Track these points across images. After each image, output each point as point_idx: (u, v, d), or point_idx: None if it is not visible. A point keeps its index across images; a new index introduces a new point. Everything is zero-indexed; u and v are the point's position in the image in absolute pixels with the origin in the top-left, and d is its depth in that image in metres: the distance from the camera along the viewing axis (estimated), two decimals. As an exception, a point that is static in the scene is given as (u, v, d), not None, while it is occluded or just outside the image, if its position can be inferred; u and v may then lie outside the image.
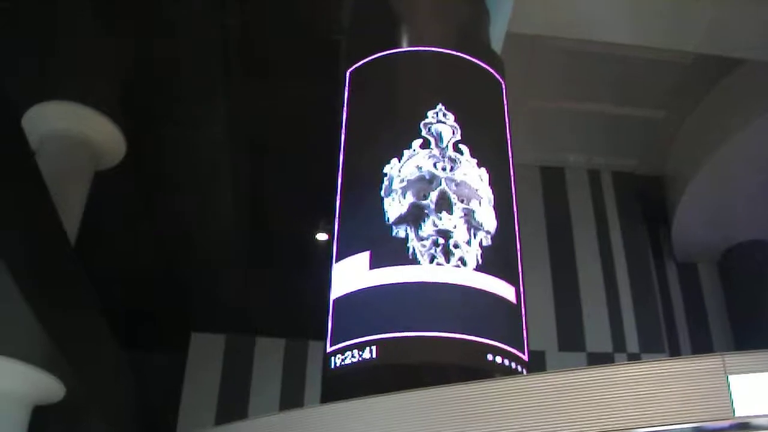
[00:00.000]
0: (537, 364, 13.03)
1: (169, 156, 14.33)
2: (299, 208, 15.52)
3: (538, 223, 16.42)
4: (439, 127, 8.56)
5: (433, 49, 9.32)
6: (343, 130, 9.24)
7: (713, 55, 13.72)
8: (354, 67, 9.69)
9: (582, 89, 15.57)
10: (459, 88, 9.26)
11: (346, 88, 9.61)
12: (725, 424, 5.29)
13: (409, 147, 8.45)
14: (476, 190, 8.34)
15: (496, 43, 11.19)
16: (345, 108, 9.43)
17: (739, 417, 5.20)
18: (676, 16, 12.48)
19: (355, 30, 11.08)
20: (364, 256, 8.00)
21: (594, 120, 16.24)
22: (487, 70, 9.61)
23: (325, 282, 8.37)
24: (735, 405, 5.19)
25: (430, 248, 7.84)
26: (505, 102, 9.71)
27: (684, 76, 15.32)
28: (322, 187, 9.54)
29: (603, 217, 16.89)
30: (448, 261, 7.80)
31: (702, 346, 17.22)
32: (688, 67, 15.01)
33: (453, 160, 8.38)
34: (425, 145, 8.46)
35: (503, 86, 9.82)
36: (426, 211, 8.04)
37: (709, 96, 15.77)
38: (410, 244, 7.88)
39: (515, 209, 8.96)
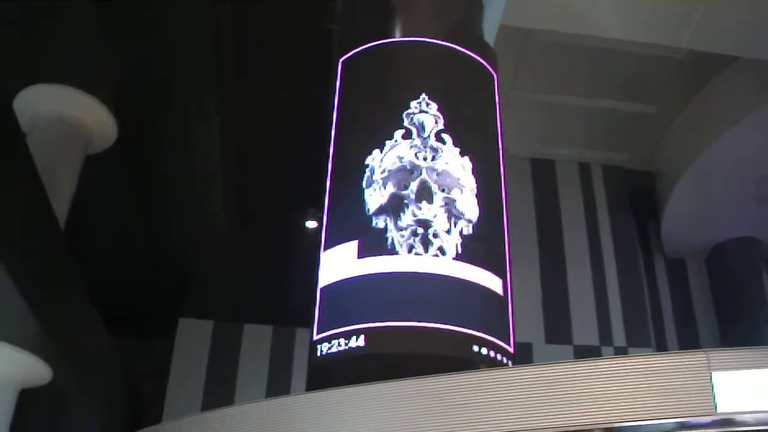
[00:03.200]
0: (523, 356, 13.11)
1: (161, 142, 14.32)
2: (289, 196, 15.51)
3: (527, 215, 16.41)
4: (422, 116, 8.57)
5: (424, 39, 9.33)
6: (334, 119, 9.27)
7: (706, 51, 13.73)
8: (346, 56, 9.71)
9: (574, 83, 15.57)
10: (446, 78, 9.28)
11: (338, 78, 9.63)
12: (707, 420, 5.31)
13: (390, 137, 8.48)
14: (458, 179, 8.35)
15: (490, 35, 11.20)
16: (336, 97, 9.45)
17: (722, 413, 5.23)
18: (668, 12, 12.49)
19: (349, 19, 11.07)
20: (352, 245, 8.03)
21: (585, 114, 16.24)
22: (479, 62, 9.61)
23: (313, 270, 8.39)
24: (717, 401, 5.21)
25: (409, 238, 7.86)
26: (496, 94, 9.71)
27: (676, 72, 15.33)
28: (312, 175, 9.55)
29: (592, 211, 16.90)
30: (426, 251, 7.82)
31: (689, 341, 17.25)
32: (681, 63, 15.01)
33: (435, 150, 8.40)
34: (407, 135, 8.48)
35: (495, 78, 9.83)
36: (406, 201, 8.06)
37: (700, 92, 15.79)
38: (389, 235, 7.91)
39: (504, 200, 8.96)
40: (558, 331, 15.40)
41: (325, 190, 8.79)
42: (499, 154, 9.26)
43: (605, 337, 15.50)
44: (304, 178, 10.80)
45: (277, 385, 16.75)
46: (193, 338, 17.32)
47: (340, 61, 9.77)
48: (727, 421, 5.36)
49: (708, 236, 17.78)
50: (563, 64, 15.04)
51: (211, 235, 16.72)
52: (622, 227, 16.97)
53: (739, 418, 5.34)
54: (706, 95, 15.70)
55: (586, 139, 17.01)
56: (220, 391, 16.69)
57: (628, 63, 14.89)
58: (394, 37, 9.49)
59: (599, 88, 15.69)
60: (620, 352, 15.23)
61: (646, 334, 15.95)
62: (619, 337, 15.57)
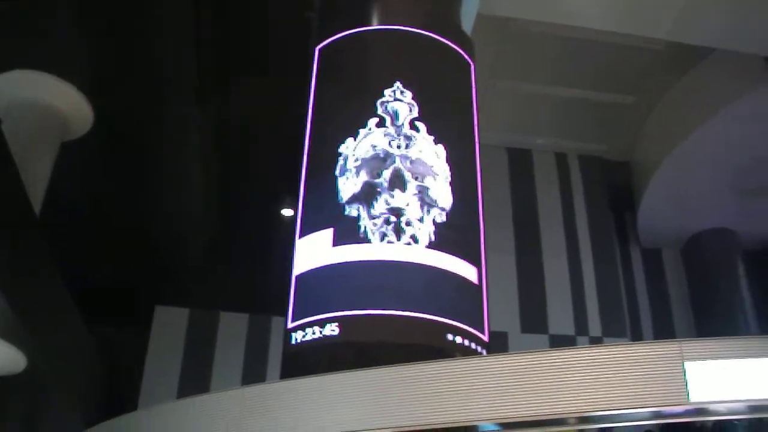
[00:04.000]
0: (499, 345, 13.12)
1: (137, 130, 14.26)
2: (266, 183, 15.48)
3: (503, 204, 16.43)
4: (396, 105, 8.58)
5: (401, 28, 9.33)
6: (310, 108, 9.26)
7: (685, 43, 13.76)
8: (323, 44, 9.69)
9: (552, 73, 15.59)
10: (421, 66, 9.29)
11: (315, 66, 9.62)
12: (680, 409, 5.34)
13: (364, 126, 8.49)
14: (431, 167, 8.36)
15: (467, 24, 11.18)
16: (312, 86, 9.44)
17: (694, 402, 5.25)
18: (648, 3, 12.52)
19: (326, 8, 11.05)
20: (327, 233, 8.03)
21: (563, 104, 16.27)
22: (456, 51, 9.62)
23: (289, 258, 8.39)
24: (690, 391, 5.24)
25: (381, 226, 7.87)
26: (473, 82, 9.70)
27: (655, 63, 15.37)
28: (288, 163, 9.53)
29: (569, 201, 16.94)
30: (399, 239, 7.83)
31: (664, 331, 17.34)
32: (659, 54, 15.04)
33: (409, 138, 8.40)
34: (381, 123, 8.49)
35: (472, 67, 9.82)
36: (379, 189, 8.08)
37: (678, 84, 15.82)
38: (362, 223, 7.93)
39: (479, 189, 8.96)
40: (534, 320, 15.45)
41: (301, 179, 8.81)
42: (474, 142, 9.27)
43: (581, 326, 15.55)
44: (283, 162, 10.76)
45: (253, 373, 16.77)
46: (170, 326, 17.32)
47: (317, 49, 9.76)
48: (700, 411, 5.40)
49: (684, 227, 17.87)
50: (541, 54, 15.06)
51: (188, 223, 16.67)
52: (598, 217, 17.02)
53: (711, 407, 5.38)
54: (684, 86, 15.74)
55: (563, 129, 17.05)
56: (196, 379, 16.69)
57: (606, 53, 14.92)
58: (370, 26, 9.50)
59: (577, 78, 15.72)
60: (596, 341, 15.29)
61: (621, 324, 16.02)
62: (594, 326, 15.63)
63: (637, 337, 16.75)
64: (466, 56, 9.77)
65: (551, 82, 15.76)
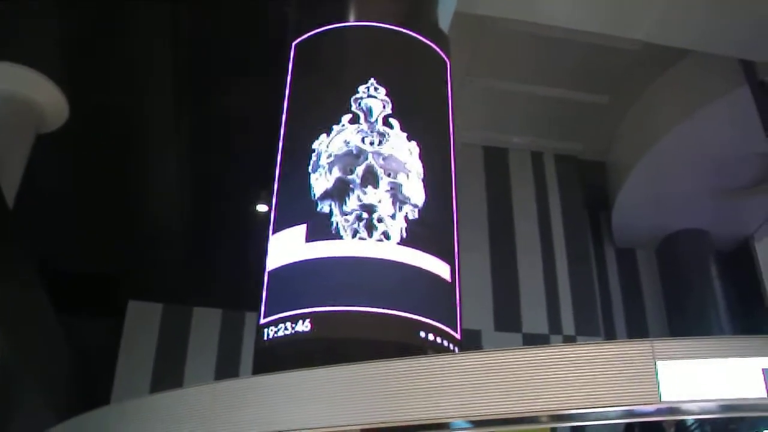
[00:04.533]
0: (472, 343, 13.11)
1: (113, 124, 14.22)
2: (240, 178, 15.46)
3: (478, 203, 16.40)
4: (370, 101, 8.58)
5: (378, 24, 9.33)
6: (285, 103, 9.26)
7: (663, 44, 13.76)
8: (299, 39, 9.68)
9: (529, 72, 15.58)
10: (396, 63, 9.31)
11: (291, 61, 9.61)
12: (652, 408, 5.36)
13: (338, 122, 8.51)
14: (404, 163, 8.38)
15: (445, 22, 11.18)
16: (288, 81, 9.44)
17: (666, 402, 5.27)
18: (627, 5, 12.52)
19: (304, 2, 11.03)
20: (300, 229, 8.02)
21: (539, 103, 16.24)
22: (432, 48, 9.62)
23: (263, 253, 8.38)
24: (662, 390, 5.26)
25: (353, 223, 7.88)
26: (448, 80, 9.71)
27: (632, 63, 15.37)
28: (264, 158, 9.52)
29: (544, 200, 16.94)
30: (370, 235, 7.83)
31: (638, 331, 17.37)
32: (637, 54, 15.02)
33: (382, 134, 8.41)
34: (354, 120, 8.49)
35: (448, 64, 9.82)
36: (351, 185, 8.08)
37: (654, 84, 15.84)
38: (334, 219, 7.94)
39: (453, 187, 8.97)
40: (507, 318, 15.44)
41: (275, 174, 8.80)
42: (449, 140, 9.26)
43: (554, 325, 15.56)
44: (258, 157, 10.75)
45: (227, 369, 16.72)
46: (143, 321, 17.25)
47: (293, 44, 9.75)
48: (672, 410, 5.42)
49: (658, 227, 17.90)
50: (518, 52, 15.04)
51: (162, 218, 16.63)
52: (573, 216, 17.02)
53: (683, 407, 5.40)
54: (660, 87, 15.76)
55: (539, 128, 17.03)
56: (169, 374, 16.63)
57: (583, 52, 14.91)
58: (347, 21, 9.49)
59: (554, 77, 15.71)
60: (569, 340, 15.30)
61: (595, 323, 16.03)
62: (568, 325, 15.63)
63: (610, 336, 16.78)
64: (442, 54, 9.78)
65: (528, 80, 15.75)
